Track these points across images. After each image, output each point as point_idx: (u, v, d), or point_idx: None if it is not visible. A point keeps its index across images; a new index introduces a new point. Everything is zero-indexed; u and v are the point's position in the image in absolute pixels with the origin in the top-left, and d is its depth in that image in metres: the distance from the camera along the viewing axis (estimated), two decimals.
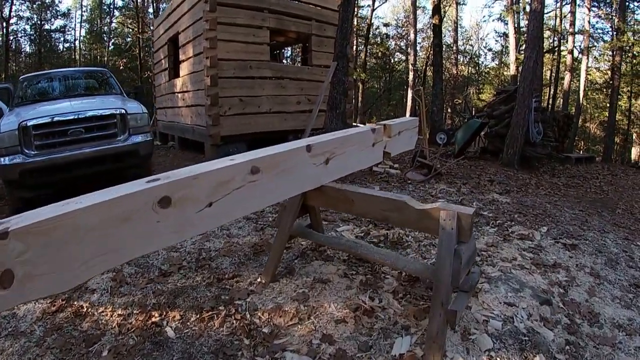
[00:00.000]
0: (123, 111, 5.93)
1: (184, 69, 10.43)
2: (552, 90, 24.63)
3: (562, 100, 21.92)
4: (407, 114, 22.25)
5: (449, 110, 28.57)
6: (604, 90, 24.46)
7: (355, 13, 28.24)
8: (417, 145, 8.78)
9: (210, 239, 4.19)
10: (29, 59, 34.36)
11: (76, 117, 5.58)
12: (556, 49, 23.52)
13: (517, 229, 4.57)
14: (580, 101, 21.21)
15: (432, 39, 16.18)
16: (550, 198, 6.40)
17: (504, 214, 5.14)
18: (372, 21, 29.38)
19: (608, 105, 20.61)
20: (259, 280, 3.28)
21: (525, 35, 11.64)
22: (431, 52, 16.76)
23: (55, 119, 5.50)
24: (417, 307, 2.84)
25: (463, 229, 2.29)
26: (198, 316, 2.78)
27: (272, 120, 9.51)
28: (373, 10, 27.83)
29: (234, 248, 3.98)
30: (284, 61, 23.57)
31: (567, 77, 20.49)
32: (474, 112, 12.19)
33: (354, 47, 30.25)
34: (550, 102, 23.80)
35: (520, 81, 9.12)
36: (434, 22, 14.03)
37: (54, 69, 8.86)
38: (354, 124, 23.43)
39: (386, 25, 33.23)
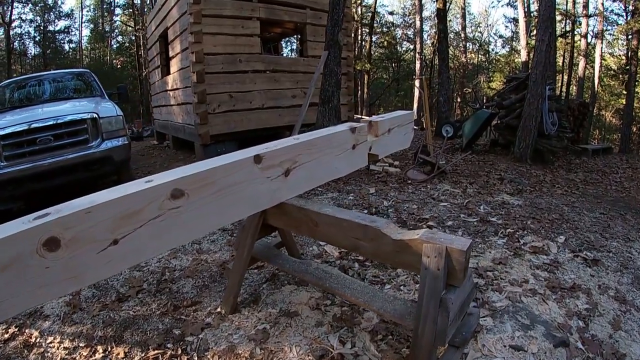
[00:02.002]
0: (95, 115, 5.54)
1: (174, 65, 9.96)
2: (567, 77, 23.63)
3: (575, 87, 21.00)
4: (415, 104, 21.55)
5: (459, 100, 27.80)
6: (620, 76, 23.39)
7: (360, 2, 27.57)
8: (420, 140, 8.13)
9: (178, 255, 3.75)
10: (34, 61, 34.33)
11: (44, 124, 5.22)
12: (569, 33, 22.54)
13: (529, 240, 3.94)
14: (596, 88, 20.29)
15: (436, 23, 15.36)
16: (567, 198, 5.73)
17: (515, 219, 4.51)
18: (377, 9, 28.63)
19: (624, 92, 19.67)
20: (218, 310, 2.81)
21: (537, 17, 10.85)
22: (436, 39, 15.98)
23: (19, 128, 5.12)
24: (398, 353, 2.27)
25: (454, 269, 1.70)
26: (143, 355, 2.39)
27: (265, 117, 8.94)
28: None
29: (200, 267, 3.52)
30: (287, 55, 23.01)
31: (582, 62, 19.50)
32: (484, 101, 11.52)
33: (359, 36, 29.56)
34: (564, 89, 22.85)
35: (532, 67, 8.33)
36: (438, 6, 13.23)
37: (35, 73, 8.38)
38: (357, 116, 22.84)
39: (391, 13, 32.44)
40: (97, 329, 2.65)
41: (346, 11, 10.07)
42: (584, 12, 19.12)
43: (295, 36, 14.12)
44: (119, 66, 30.03)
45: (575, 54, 22.74)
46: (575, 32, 22.28)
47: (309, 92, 7.00)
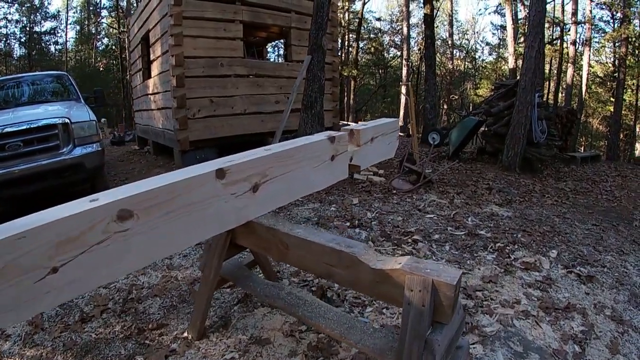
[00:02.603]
0: (66, 120, 5.28)
1: (155, 69, 9.64)
2: (555, 85, 23.67)
3: (563, 94, 21.02)
4: (401, 111, 21.38)
5: (445, 106, 27.76)
6: (608, 83, 23.48)
7: (347, 7, 27.46)
8: (406, 147, 7.93)
9: (147, 271, 3.48)
10: (19, 62, 33.77)
11: (13, 129, 4.98)
12: (557, 40, 22.59)
13: (520, 255, 3.73)
14: (583, 96, 20.30)
15: (423, 30, 15.19)
16: (558, 209, 5.54)
17: (505, 232, 4.30)
18: (365, 15, 28.53)
19: (612, 99, 19.71)
20: (185, 334, 2.57)
21: (526, 22, 10.73)
22: (423, 45, 15.85)
23: None
24: None
25: (441, 305, 1.46)
26: None
27: (248, 122, 8.66)
28: (364, 3, 26.92)
29: (169, 285, 3.26)
30: (274, 60, 22.80)
31: (570, 70, 19.50)
32: (470, 108, 11.34)
33: (346, 42, 29.44)
34: (553, 97, 22.88)
35: (521, 74, 8.13)
36: (425, 11, 13.02)
37: (11, 75, 8.12)
38: (342, 122, 22.65)
39: (378, 19, 32.40)
40: (57, 353, 2.45)
41: (332, 16, 9.87)
42: (573, 19, 19.14)
43: (281, 40, 13.88)
44: (102, 69, 29.55)
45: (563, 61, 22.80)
46: (563, 39, 22.34)
47: (290, 98, 6.75)
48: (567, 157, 9.82)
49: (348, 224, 4.46)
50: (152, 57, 9.81)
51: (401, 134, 16.81)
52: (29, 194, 5.06)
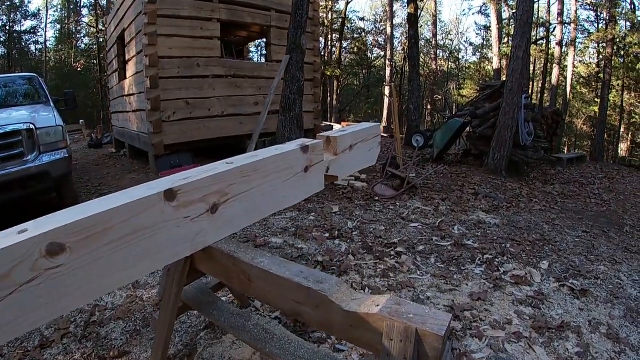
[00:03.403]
0: (30, 126, 4.92)
1: (130, 69, 9.32)
2: (540, 85, 23.67)
3: (548, 95, 21.01)
4: (385, 111, 21.21)
5: (429, 107, 27.68)
6: (593, 84, 23.57)
7: (330, 7, 27.23)
8: (389, 150, 7.69)
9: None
10: None
11: None
12: (542, 40, 22.59)
13: (510, 268, 3.49)
14: (568, 96, 20.31)
15: (407, 30, 14.94)
16: (546, 215, 5.33)
17: (494, 242, 4.07)
18: (348, 15, 28.34)
19: (596, 100, 19.74)
20: None
21: (513, 22, 10.54)
22: (407, 45, 15.63)
23: None
24: None
25: (427, 357, 1.18)
26: None
27: (225, 125, 8.36)
28: (347, 3, 26.71)
29: (134, 306, 2.99)
30: (257, 60, 22.45)
31: (556, 70, 19.44)
32: (455, 110, 11.15)
33: (329, 42, 29.20)
34: (538, 97, 22.87)
35: (508, 75, 7.91)
36: (409, 10, 12.76)
37: None
38: (326, 123, 22.40)
39: (362, 19, 32.25)
40: None
41: (314, 15, 9.63)
42: (559, 19, 19.11)
43: (263, 40, 13.58)
44: (79, 69, 28.90)
45: (544, 62, 22.84)
46: (549, 40, 22.37)
47: (267, 100, 6.50)
48: (554, 159, 9.68)
49: (327, 234, 4.20)
50: (127, 57, 9.49)
51: (385, 134, 16.61)
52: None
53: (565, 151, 20.48)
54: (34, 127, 4.95)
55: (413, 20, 12.63)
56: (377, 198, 5.46)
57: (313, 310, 1.45)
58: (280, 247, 3.90)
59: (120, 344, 2.55)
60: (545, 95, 21.83)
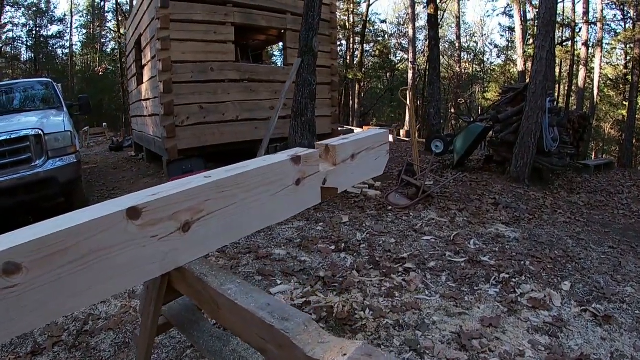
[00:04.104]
0: (39, 131, 4.96)
1: (146, 74, 9.34)
2: (566, 88, 22.96)
3: (574, 98, 20.34)
4: (407, 115, 20.89)
5: (453, 111, 27.20)
6: (621, 86, 22.73)
7: (352, 10, 27.04)
8: (408, 154, 7.43)
9: (108, 298, 3.10)
10: (26, 66, 34.00)
11: None
12: (567, 41, 21.93)
13: (528, 289, 3.22)
14: (595, 99, 19.60)
15: (427, 31, 14.54)
16: (571, 228, 4.99)
17: (512, 259, 3.79)
18: (370, 18, 28.09)
19: (624, 102, 19.01)
20: None
21: (537, 21, 10.12)
22: (427, 46, 15.27)
23: None
24: None
25: None
26: None
27: (240, 130, 8.23)
28: (369, 5, 26.46)
29: (126, 317, 2.90)
30: (277, 64, 22.38)
31: (582, 72, 18.78)
32: (479, 113, 10.77)
33: (351, 45, 28.98)
34: (564, 101, 22.19)
35: (531, 77, 7.50)
36: (429, 11, 12.41)
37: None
38: (347, 127, 22.17)
39: (384, 21, 31.96)
40: None
41: (331, 17, 9.45)
42: (584, 18, 18.48)
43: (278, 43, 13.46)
44: (101, 73, 29.48)
45: (568, 63, 22.17)
46: (575, 40, 21.71)
47: (278, 105, 6.35)
48: (580, 166, 9.24)
49: (334, 247, 3.99)
50: (143, 62, 9.51)
51: (406, 139, 16.30)
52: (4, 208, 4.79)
53: (593, 157, 19.80)
54: (42, 133, 4.96)
55: (433, 21, 12.29)
56: (390, 207, 5.22)
57: (277, 350, 1.26)
58: (283, 260, 3.72)
59: (108, 356, 2.48)
60: (572, 98, 21.16)
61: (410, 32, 21.47)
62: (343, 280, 3.29)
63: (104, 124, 22.64)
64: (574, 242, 4.42)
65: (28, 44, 32.83)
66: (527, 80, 8.74)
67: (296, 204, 1.56)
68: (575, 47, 21.88)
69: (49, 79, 8.13)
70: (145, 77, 9.32)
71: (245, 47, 11.52)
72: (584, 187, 7.62)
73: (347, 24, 26.56)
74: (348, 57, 28.71)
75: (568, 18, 22.01)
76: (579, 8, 20.21)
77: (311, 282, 3.27)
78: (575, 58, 21.50)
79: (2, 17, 29.06)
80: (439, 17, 13.35)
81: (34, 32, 32.42)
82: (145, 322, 2.05)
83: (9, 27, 31.29)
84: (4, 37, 31.03)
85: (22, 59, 33.96)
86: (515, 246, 4.13)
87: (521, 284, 3.27)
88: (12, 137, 4.80)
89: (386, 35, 31.81)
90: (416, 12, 23.12)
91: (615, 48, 23.58)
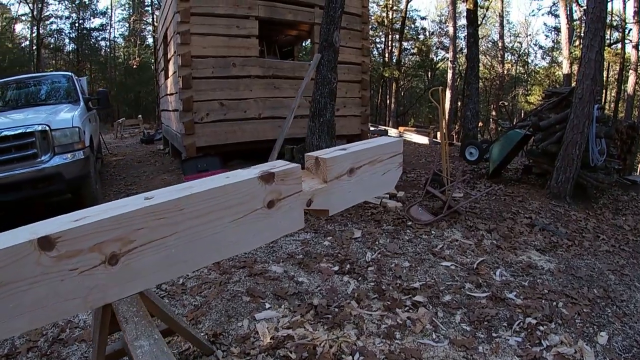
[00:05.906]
0: (45, 127, 4.92)
1: (170, 69, 9.26)
2: (614, 94, 21.63)
3: (621, 105, 19.10)
4: (446, 115, 20.14)
5: (494, 113, 26.20)
6: None
7: (391, 6, 26.34)
8: (439, 162, 6.87)
9: None
10: (69, 57, 35.10)
11: None
12: (616, 44, 20.63)
13: (557, 341, 2.70)
14: None
15: (466, 27, 13.70)
16: (614, 259, 4.34)
17: (542, 297, 3.26)
18: (409, 14, 27.31)
19: None
20: None
21: (584, 18, 9.25)
22: (465, 44, 14.51)
23: None
24: None
25: None
26: None
27: (262, 128, 7.90)
28: (408, 1, 25.68)
29: None
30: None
31: (632, 77, 17.60)
32: (520, 117, 10.01)
33: (389, 42, 28.27)
34: (612, 108, 20.92)
35: (578, 80, 6.60)
36: (467, 6, 11.57)
37: (14, 77, 7.94)
38: (381, 127, 21.57)
39: (423, 18, 31.12)
40: None
41: (363, 11, 8.99)
42: (635, 19, 17.27)
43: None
44: (135, 66, 29.98)
45: (616, 68, 20.87)
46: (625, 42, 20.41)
47: (294, 103, 5.97)
48: (627, 182, 8.38)
49: (337, 267, 3.56)
50: (168, 56, 9.42)
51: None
52: (2, 204, 4.87)
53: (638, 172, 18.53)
54: (49, 128, 4.90)
55: (472, 17, 11.51)
56: (410, 222, 4.74)
57: None
58: (278, 279, 3.33)
59: None
60: (620, 105, 19.89)
61: (451, 30, 20.66)
62: (338, 311, 2.87)
63: (139, 116, 22.94)
64: (617, 279, 3.81)
65: (71, 35, 33.77)
66: (573, 84, 7.97)
67: (269, 231, 1.15)
68: (625, 50, 20.53)
69: (68, 73, 8.10)
70: (170, 72, 9.22)
71: (272, 42, 11.21)
72: (631, 207, 6.84)
73: (385, 20, 25.88)
74: (386, 55, 28.04)
75: (618, 17, 20.68)
76: (629, 8, 18.91)
77: (302, 310, 2.87)
78: (625, 62, 20.18)
79: (45, 10, 30.02)
80: (481, 15, 12.56)
81: (76, 25, 33.31)
82: (95, 348, 1.90)
83: (52, 19, 32.39)
84: (47, 28, 32.12)
85: (65, 51, 35.02)
86: (548, 280, 3.58)
87: (549, 334, 2.75)
88: (18, 132, 4.76)
89: (427, 33, 30.95)
90: (458, 10, 22.21)
91: None
